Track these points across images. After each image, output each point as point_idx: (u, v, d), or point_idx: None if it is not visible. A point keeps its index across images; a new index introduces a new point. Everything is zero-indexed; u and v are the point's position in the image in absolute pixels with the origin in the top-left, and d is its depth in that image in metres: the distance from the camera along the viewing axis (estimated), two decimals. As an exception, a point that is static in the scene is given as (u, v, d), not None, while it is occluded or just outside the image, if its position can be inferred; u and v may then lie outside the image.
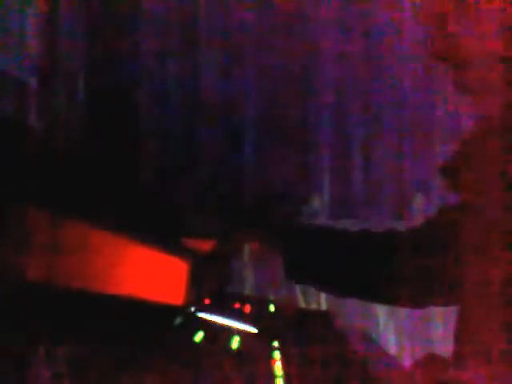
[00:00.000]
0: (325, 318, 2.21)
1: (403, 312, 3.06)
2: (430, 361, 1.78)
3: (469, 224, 1.63)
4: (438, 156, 3.06)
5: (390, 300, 2.09)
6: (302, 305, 3.02)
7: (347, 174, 3.17)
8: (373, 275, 2.01)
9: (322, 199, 3.18)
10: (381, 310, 3.08)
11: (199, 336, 1.95)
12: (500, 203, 1.56)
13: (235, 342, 1.94)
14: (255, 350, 1.91)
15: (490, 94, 1.70)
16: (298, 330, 1.97)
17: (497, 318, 1.58)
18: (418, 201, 3.14)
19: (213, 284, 2.12)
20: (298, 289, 3.06)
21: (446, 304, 1.93)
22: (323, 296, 3.05)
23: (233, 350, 1.92)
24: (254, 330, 1.97)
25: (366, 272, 2.02)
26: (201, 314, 2.00)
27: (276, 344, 1.91)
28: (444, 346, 2.71)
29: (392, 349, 3.10)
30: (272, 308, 2.13)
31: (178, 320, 1.94)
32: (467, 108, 2.30)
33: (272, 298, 2.53)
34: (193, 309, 1.98)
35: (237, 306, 2.08)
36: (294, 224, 2.18)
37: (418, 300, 1.96)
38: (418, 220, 2.92)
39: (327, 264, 2.06)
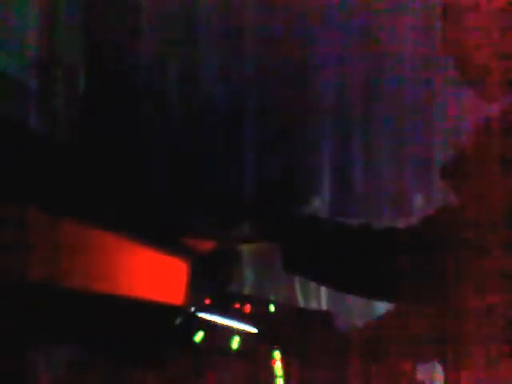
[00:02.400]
0: (325, 317, 2.21)
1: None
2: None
3: (468, 224, 1.63)
4: (438, 156, 3.06)
5: (389, 296, 2.08)
6: (302, 305, 3.02)
7: (347, 173, 3.16)
8: (371, 270, 2.01)
9: (322, 198, 3.18)
10: (381, 310, 3.07)
11: (199, 336, 1.95)
12: (499, 204, 1.56)
13: (235, 342, 1.94)
14: (255, 349, 1.91)
15: (492, 94, 1.70)
16: (298, 330, 1.97)
17: (496, 317, 1.58)
18: (418, 201, 3.14)
19: (213, 284, 2.12)
20: (298, 289, 3.05)
21: (443, 303, 1.93)
22: (323, 296, 3.05)
23: (233, 350, 1.92)
24: (254, 330, 1.97)
25: (365, 267, 2.02)
26: (201, 314, 2.00)
27: (276, 344, 1.91)
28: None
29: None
30: (272, 308, 2.13)
31: (178, 320, 1.94)
32: (467, 109, 2.30)
33: (272, 297, 2.53)
34: (193, 309, 1.98)
35: (237, 306, 2.08)
36: (294, 216, 2.17)
37: (417, 297, 1.96)
38: (417, 220, 2.92)
39: (326, 257, 2.06)
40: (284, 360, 1.85)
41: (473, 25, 1.66)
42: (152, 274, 1.93)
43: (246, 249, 2.28)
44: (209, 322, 1.99)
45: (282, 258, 2.07)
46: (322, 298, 3.05)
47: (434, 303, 1.95)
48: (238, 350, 1.92)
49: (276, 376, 1.81)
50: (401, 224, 2.10)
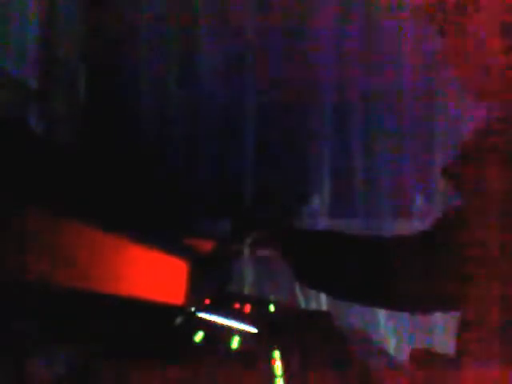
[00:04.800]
0: (325, 318, 2.21)
1: (403, 313, 3.06)
2: (428, 358, 1.78)
3: (470, 226, 1.63)
4: (438, 156, 3.06)
5: (392, 305, 2.08)
6: (302, 305, 3.02)
7: (347, 173, 3.16)
8: (374, 280, 2.01)
9: (322, 199, 3.18)
10: (381, 311, 3.08)
11: (199, 336, 1.95)
12: (501, 205, 1.56)
13: (235, 342, 1.94)
14: (255, 350, 1.91)
15: (492, 94, 1.70)
16: (298, 330, 1.97)
17: (497, 318, 1.58)
18: (418, 201, 3.14)
19: (213, 284, 2.12)
20: (298, 289, 3.06)
21: (447, 309, 1.93)
22: (323, 296, 3.05)
23: (233, 350, 1.92)
24: (254, 330, 1.97)
25: (368, 276, 2.02)
26: (201, 314, 2.00)
27: (276, 344, 1.91)
28: (444, 346, 2.70)
29: (392, 349, 3.10)
30: (272, 308, 2.13)
31: (178, 320, 1.94)
32: (468, 109, 2.31)
33: (272, 297, 2.53)
34: (193, 309, 1.98)
35: (237, 306, 2.08)
36: (295, 227, 2.18)
37: (421, 306, 1.96)
38: (417, 220, 2.92)
39: (328, 267, 2.06)
40: (284, 360, 1.85)
41: (474, 27, 1.66)
42: (152, 274, 1.93)
43: (246, 249, 2.28)
44: (209, 321, 1.99)
45: (292, 270, 2.08)
46: (322, 298, 3.05)
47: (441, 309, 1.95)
48: (237, 350, 1.92)
49: (276, 376, 1.81)
50: (401, 226, 2.10)
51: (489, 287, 1.56)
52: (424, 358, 1.69)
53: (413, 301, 1.92)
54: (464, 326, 1.68)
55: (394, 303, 2.03)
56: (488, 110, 1.70)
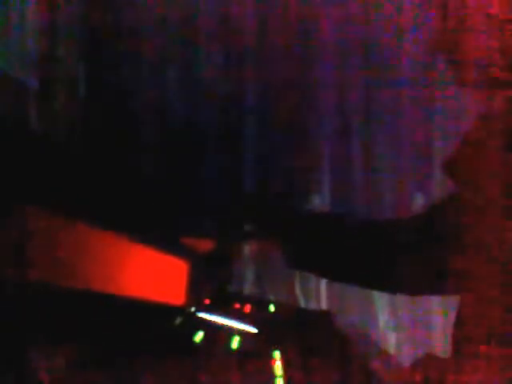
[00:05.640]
0: (325, 317, 2.21)
1: (403, 312, 3.06)
2: (429, 360, 1.78)
3: (468, 220, 1.63)
4: (438, 156, 3.06)
5: (389, 287, 2.09)
6: (302, 305, 3.02)
7: (347, 173, 3.16)
8: (373, 261, 2.02)
9: (322, 199, 3.18)
10: (381, 310, 3.08)
11: (199, 336, 1.95)
12: (499, 201, 1.57)
13: (235, 342, 1.94)
14: (255, 349, 1.91)
15: (489, 91, 1.70)
16: (297, 330, 1.97)
17: (495, 316, 1.58)
18: (418, 200, 3.14)
19: (213, 284, 2.13)
20: (298, 289, 3.06)
21: (442, 292, 1.94)
22: (323, 296, 3.05)
23: (233, 350, 1.92)
24: (254, 330, 1.97)
25: (366, 258, 2.02)
26: (201, 314, 2.00)
27: (276, 344, 1.91)
28: (443, 346, 2.70)
29: (392, 349, 3.10)
30: (272, 308, 2.13)
31: (178, 320, 1.94)
32: (467, 107, 2.30)
33: (272, 297, 2.53)
34: (193, 309, 1.98)
35: (237, 306, 2.09)
36: (294, 212, 2.18)
37: (416, 287, 1.97)
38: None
39: (328, 250, 2.06)
40: (284, 360, 1.85)
41: (473, 27, 1.67)
42: (152, 274, 1.93)
43: (245, 249, 2.28)
44: (209, 321, 1.99)
45: (284, 255, 2.08)
46: (321, 298, 3.05)
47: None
48: (237, 350, 1.92)
49: (276, 376, 1.81)
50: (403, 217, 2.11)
51: (483, 270, 1.57)
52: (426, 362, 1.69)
53: (410, 282, 1.93)
54: (460, 324, 1.68)
55: (392, 284, 2.04)
56: (487, 107, 1.71)
